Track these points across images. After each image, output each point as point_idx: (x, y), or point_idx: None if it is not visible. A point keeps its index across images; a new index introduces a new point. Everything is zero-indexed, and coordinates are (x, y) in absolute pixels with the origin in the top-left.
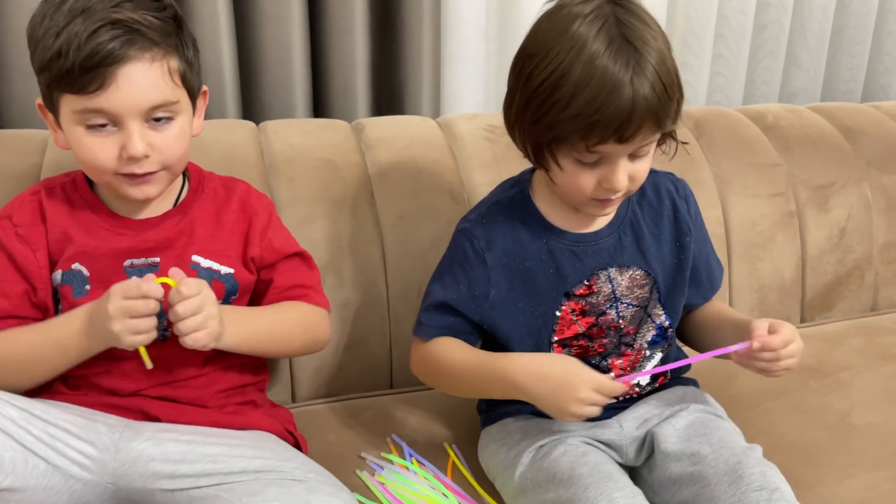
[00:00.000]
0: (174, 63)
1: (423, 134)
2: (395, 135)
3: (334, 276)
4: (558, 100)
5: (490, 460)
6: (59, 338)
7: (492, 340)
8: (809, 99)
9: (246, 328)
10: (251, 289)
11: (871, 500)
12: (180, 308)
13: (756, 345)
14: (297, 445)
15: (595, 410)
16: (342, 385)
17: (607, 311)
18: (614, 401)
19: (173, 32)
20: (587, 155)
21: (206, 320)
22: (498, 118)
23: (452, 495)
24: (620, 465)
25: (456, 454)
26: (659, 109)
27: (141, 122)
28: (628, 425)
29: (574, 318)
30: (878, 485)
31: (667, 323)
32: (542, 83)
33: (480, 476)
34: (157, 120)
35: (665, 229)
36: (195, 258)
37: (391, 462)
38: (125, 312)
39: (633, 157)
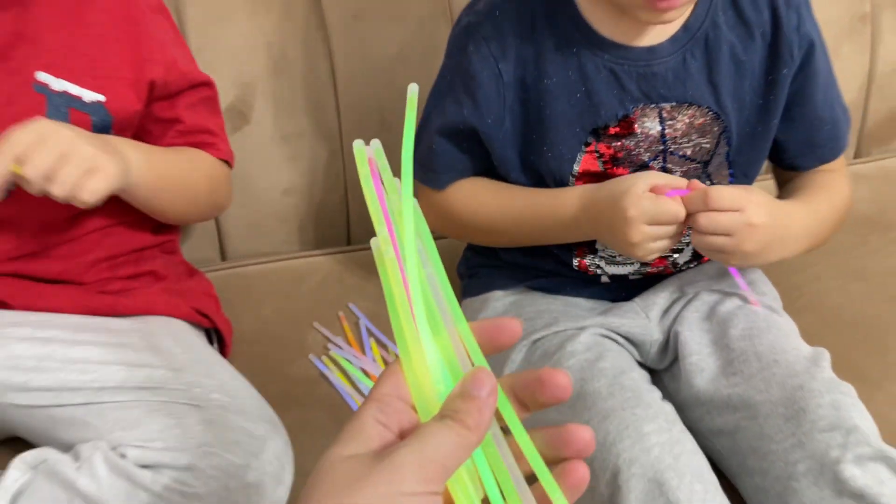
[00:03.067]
0: None
1: None
2: None
3: (265, 98)
4: None
5: None
6: None
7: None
8: None
9: (153, 168)
10: (133, 125)
11: None
12: (39, 161)
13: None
14: (217, 332)
15: (665, 246)
16: (284, 240)
17: (650, 164)
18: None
19: None
20: None
21: (90, 159)
22: None
23: None
24: (640, 364)
25: None
26: None
27: None
28: (654, 316)
29: (601, 166)
30: None
31: None
32: None
33: None
34: None
35: (755, 53)
36: (41, 76)
37: (339, 345)
38: None
39: None
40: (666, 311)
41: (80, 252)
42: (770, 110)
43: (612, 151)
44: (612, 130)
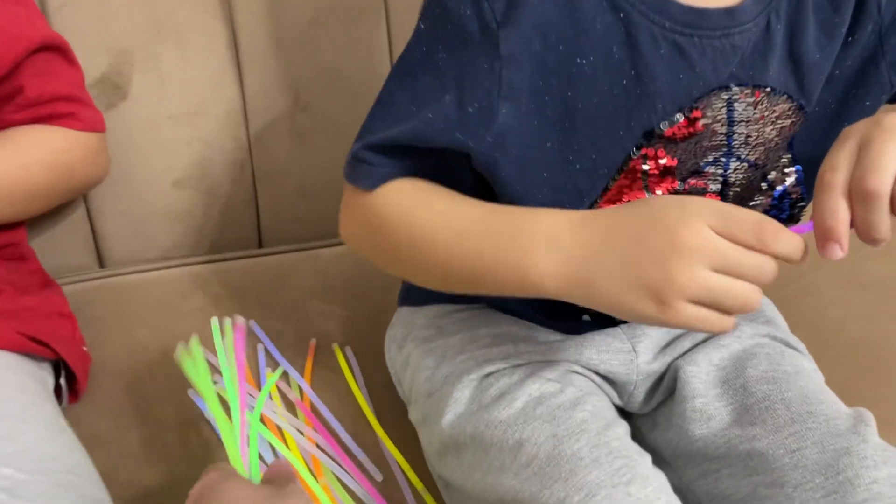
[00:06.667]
0: None
1: None
2: None
3: (146, 69)
4: None
5: (402, 371)
6: None
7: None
8: None
9: None
10: None
11: None
12: None
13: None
14: (65, 364)
15: (709, 320)
16: (175, 243)
17: (704, 170)
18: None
19: None
20: None
21: None
22: None
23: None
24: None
25: (346, 358)
26: None
27: None
28: (644, 350)
29: (643, 180)
30: None
31: (796, 188)
32: None
33: (379, 388)
34: None
35: (846, 15)
36: None
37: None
38: None
39: None
40: (665, 347)
41: None
42: (853, 84)
43: (667, 161)
44: (670, 131)
